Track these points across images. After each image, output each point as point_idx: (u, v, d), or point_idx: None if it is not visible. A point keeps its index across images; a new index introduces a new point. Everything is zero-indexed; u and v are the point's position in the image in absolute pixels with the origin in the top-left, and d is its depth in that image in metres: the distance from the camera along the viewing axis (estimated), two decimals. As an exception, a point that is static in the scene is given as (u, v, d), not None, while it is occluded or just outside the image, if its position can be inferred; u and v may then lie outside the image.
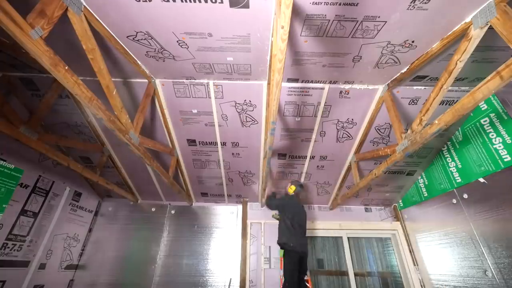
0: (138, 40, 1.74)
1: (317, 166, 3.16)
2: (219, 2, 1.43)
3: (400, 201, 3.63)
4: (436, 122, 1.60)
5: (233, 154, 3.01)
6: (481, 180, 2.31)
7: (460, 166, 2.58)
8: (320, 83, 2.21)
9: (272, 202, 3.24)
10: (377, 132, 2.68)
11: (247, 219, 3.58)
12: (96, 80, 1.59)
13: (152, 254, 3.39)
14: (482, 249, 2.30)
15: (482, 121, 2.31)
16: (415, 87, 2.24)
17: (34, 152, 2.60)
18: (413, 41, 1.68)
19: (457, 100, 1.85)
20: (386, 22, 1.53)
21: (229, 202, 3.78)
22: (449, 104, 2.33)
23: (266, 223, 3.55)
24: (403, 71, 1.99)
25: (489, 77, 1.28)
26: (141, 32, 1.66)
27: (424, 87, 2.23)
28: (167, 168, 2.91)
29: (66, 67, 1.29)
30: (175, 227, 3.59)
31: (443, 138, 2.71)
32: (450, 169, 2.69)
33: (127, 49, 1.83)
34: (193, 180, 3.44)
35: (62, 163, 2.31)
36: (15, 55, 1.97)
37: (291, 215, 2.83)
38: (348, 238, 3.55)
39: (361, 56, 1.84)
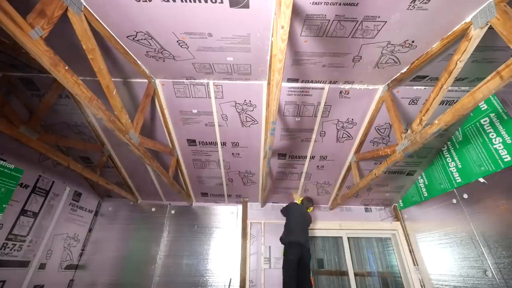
0: (138, 40, 1.74)
1: (317, 166, 3.16)
2: (219, 2, 1.43)
3: (400, 201, 3.63)
4: (436, 122, 1.60)
5: (233, 154, 3.01)
6: (481, 180, 2.31)
7: (460, 166, 2.58)
8: (320, 83, 2.21)
9: (282, 209, 3.37)
10: (377, 132, 2.68)
11: (247, 219, 3.58)
12: (96, 80, 1.59)
13: (152, 254, 3.39)
14: (482, 249, 2.30)
15: (482, 121, 2.31)
16: (415, 87, 2.24)
17: (34, 152, 2.61)
18: (413, 41, 1.68)
19: (457, 100, 1.85)
20: (386, 22, 1.53)
21: (229, 202, 3.78)
22: (449, 104, 2.33)
23: (266, 223, 3.55)
24: (403, 71, 1.99)
25: (489, 77, 1.28)
26: (141, 32, 1.66)
27: (424, 87, 2.23)
28: (167, 168, 2.91)
29: (66, 67, 1.29)
30: (175, 227, 3.59)
31: (443, 138, 2.71)
32: (450, 169, 2.69)
33: (127, 49, 1.83)
34: (193, 180, 3.44)
35: (62, 163, 2.31)
36: (15, 55, 1.97)
37: (294, 216, 3.03)
38: (348, 238, 3.55)
39: (361, 56, 1.84)
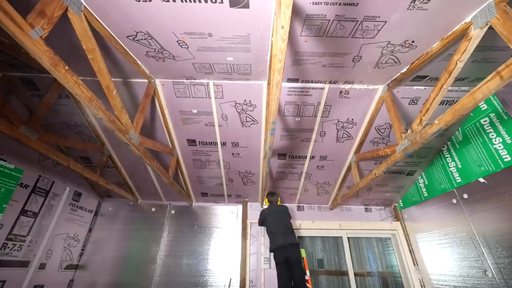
0: (138, 40, 1.74)
1: (317, 166, 3.16)
2: (219, 2, 1.43)
3: (400, 201, 3.63)
4: (436, 122, 1.60)
5: (233, 154, 3.01)
6: (481, 180, 2.31)
7: (460, 166, 2.58)
8: (320, 83, 2.21)
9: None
10: (377, 132, 2.68)
11: (247, 219, 3.58)
12: (96, 80, 1.59)
13: (152, 254, 3.39)
14: (482, 249, 2.30)
15: (482, 121, 2.31)
16: (415, 87, 2.24)
17: (34, 152, 2.61)
18: (413, 41, 1.68)
19: (457, 100, 1.85)
20: (386, 22, 1.53)
21: (229, 202, 3.78)
22: (449, 104, 2.33)
23: (266, 223, 3.55)
24: (403, 71, 1.99)
25: (489, 77, 1.28)
26: (141, 32, 1.66)
27: (424, 87, 2.23)
28: (167, 168, 2.91)
29: (66, 67, 1.29)
30: (175, 227, 3.59)
31: (443, 138, 2.71)
32: (450, 169, 2.69)
33: (127, 49, 1.83)
34: (193, 180, 3.45)
35: (62, 163, 2.31)
36: (15, 55, 1.97)
37: (268, 221, 3.00)
38: (348, 238, 3.55)
39: (361, 56, 1.84)
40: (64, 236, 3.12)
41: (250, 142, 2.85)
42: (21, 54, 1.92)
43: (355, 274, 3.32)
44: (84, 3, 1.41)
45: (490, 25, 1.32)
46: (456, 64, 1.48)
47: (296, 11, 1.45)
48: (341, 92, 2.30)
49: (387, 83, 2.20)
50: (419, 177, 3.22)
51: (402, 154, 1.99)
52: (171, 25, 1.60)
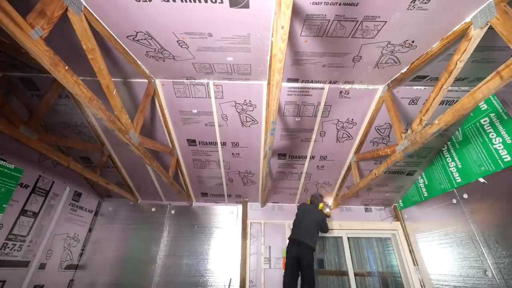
0: (138, 40, 1.74)
1: (317, 166, 3.16)
2: (219, 2, 1.43)
3: (400, 201, 3.63)
4: (436, 122, 1.60)
5: (233, 154, 3.01)
6: (481, 180, 2.31)
7: (460, 166, 2.58)
8: (320, 83, 2.21)
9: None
10: (377, 132, 2.68)
11: (247, 219, 3.58)
12: (96, 80, 1.59)
13: (152, 254, 3.39)
14: (482, 249, 2.30)
15: (482, 121, 2.31)
16: (415, 87, 2.24)
17: (34, 152, 2.61)
18: (413, 41, 1.68)
19: (457, 100, 1.85)
20: (386, 22, 1.53)
21: (229, 202, 3.78)
22: (449, 104, 2.33)
23: (266, 223, 3.55)
24: (403, 71, 1.99)
25: (489, 77, 1.28)
26: (141, 32, 1.66)
27: (424, 87, 2.23)
28: (167, 168, 2.91)
29: (66, 67, 1.30)
30: (175, 227, 3.59)
31: (443, 138, 2.71)
32: (450, 169, 2.69)
33: (127, 49, 1.83)
34: (193, 180, 3.44)
35: (62, 163, 2.31)
36: (15, 55, 1.97)
37: (297, 217, 3.04)
38: (348, 238, 3.55)
39: (361, 56, 1.84)
40: (64, 236, 3.12)
41: (250, 142, 2.85)
42: (21, 54, 1.92)
43: (355, 274, 3.32)
44: (84, 3, 1.41)
45: (490, 25, 1.32)
46: (456, 64, 1.48)
47: (296, 11, 1.45)
48: (341, 92, 2.30)
49: (387, 83, 2.20)
50: (419, 177, 3.22)
51: (402, 154, 1.99)
52: (171, 25, 1.60)
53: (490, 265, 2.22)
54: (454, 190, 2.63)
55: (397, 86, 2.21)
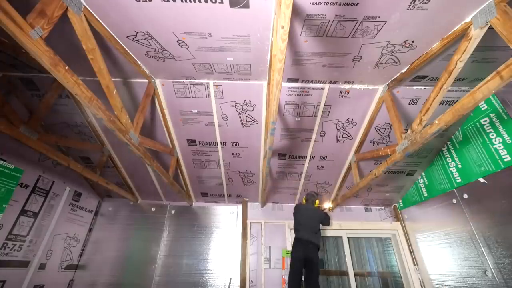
0: (138, 40, 1.74)
1: (317, 166, 3.16)
2: (219, 2, 1.43)
3: (400, 201, 3.63)
4: (436, 122, 1.60)
5: (233, 154, 3.01)
6: (481, 180, 2.31)
7: (460, 166, 2.57)
8: (320, 83, 2.21)
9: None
10: (377, 132, 2.68)
11: (247, 219, 3.58)
12: (96, 80, 1.59)
13: (152, 254, 3.39)
14: (482, 249, 2.30)
15: (482, 121, 2.31)
16: (415, 87, 2.24)
17: (34, 152, 2.61)
18: (413, 41, 1.68)
19: (457, 100, 1.85)
20: (386, 22, 1.53)
21: (229, 202, 3.78)
22: (449, 104, 2.33)
23: (266, 223, 3.55)
24: (403, 71, 1.99)
25: (489, 77, 1.28)
26: (141, 32, 1.66)
27: (424, 87, 2.23)
28: (167, 168, 2.91)
29: (66, 67, 1.29)
30: (175, 227, 3.59)
31: (443, 138, 2.71)
32: (450, 169, 2.69)
33: (127, 49, 1.83)
34: (193, 180, 3.44)
35: (62, 163, 2.31)
36: (15, 55, 1.97)
37: (297, 215, 2.99)
38: (348, 238, 3.55)
39: (361, 56, 1.84)
40: (64, 236, 3.12)
41: (250, 142, 2.85)
42: (21, 54, 1.92)
43: (355, 274, 3.32)
44: (84, 3, 1.41)
45: (490, 25, 1.32)
46: (456, 64, 1.48)
47: (296, 11, 1.45)
48: (341, 92, 2.29)
49: (387, 83, 2.20)
50: (419, 177, 3.22)
51: (402, 154, 1.99)
52: (171, 25, 1.60)
53: (490, 265, 2.22)
54: (454, 190, 2.63)
55: (397, 86, 2.21)
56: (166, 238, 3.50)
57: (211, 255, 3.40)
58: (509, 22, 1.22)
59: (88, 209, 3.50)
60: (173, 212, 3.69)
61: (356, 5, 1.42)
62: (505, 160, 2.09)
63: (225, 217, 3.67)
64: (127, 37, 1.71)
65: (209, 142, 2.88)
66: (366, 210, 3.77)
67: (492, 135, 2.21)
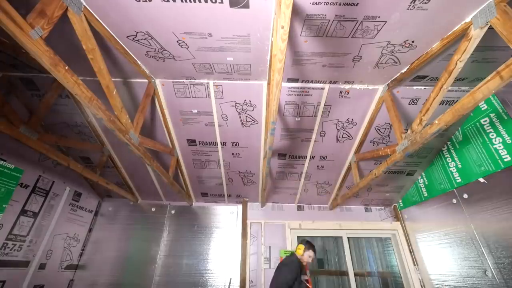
0: (138, 40, 1.74)
1: (317, 166, 3.16)
2: (219, 2, 1.43)
3: (400, 201, 3.63)
4: (436, 122, 1.60)
5: (233, 154, 3.01)
6: (481, 180, 2.31)
7: (460, 166, 2.57)
8: (320, 83, 2.21)
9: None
10: (377, 132, 2.68)
11: (247, 219, 3.58)
12: (96, 80, 1.59)
13: (152, 254, 3.39)
14: (482, 249, 2.30)
15: (482, 121, 2.31)
16: (415, 87, 2.24)
17: (34, 152, 2.61)
18: (413, 41, 1.68)
19: (457, 100, 1.85)
20: (386, 22, 1.53)
21: (229, 202, 3.78)
22: (449, 104, 2.33)
23: (266, 223, 3.55)
24: (403, 71, 1.99)
25: (489, 77, 1.28)
26: (141, 32, 1.66)
27: (424, 87, 2.23)
28: (167, 168, 2.91)
29: (66, 67, 1.29)
30: (175, 227, 3.59)
31: (443, 138, 2.71)
32: (450, 169, 2.69)
33: (127, 49, 1.83)
34: (193, 180, 3.44)
35: (62, 163, 2.31)
36: (15, 55, 1.97)
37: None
38: (348, 238, 3.55)
39: (361, 56, 1.84)
40: (64, 236, 3.12)
41: (250, 142, 2.85)
42: (21, 54, 1.92)
43: (355, 274, 3.32)
44: (84, 3, 1.41)
45: (490, 25, 1.32)
46: (456, 64, 1.48)
47: (296, 11, 1.45)
48: (341, 92, 2.29)
49: (387, 83, 2.20)
50: (419, 177, 3.22)
51: (402, 154, 1.99)
52: (171, 25, 1.60)
53: (490, 265, 2.22)
54: (454, 190, 2.63)
55: (397, 86, 2.21)
56: (166, 238, 3.50)
57: (211, 255, 3.40)
58: (509, 22, 1.22)
59: (88, 209, 3.50)
60: (173, 212, 3.69)
61: (356, 5, 1.42)
62: (505, 160, 2.09)
63: (225, 217, 3.67)
64: (127, 37, 1.71)
65: (209, 142, 2.88)
66: (366, 210, 3.77)
67: (492, 135, 2.21)
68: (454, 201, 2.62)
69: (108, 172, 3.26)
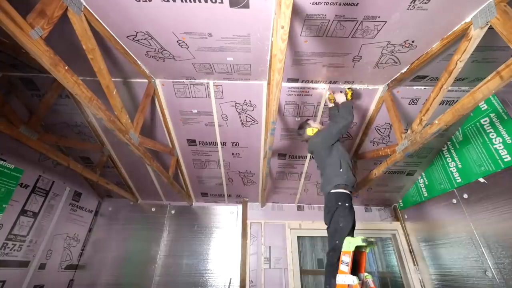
0: (138, 40, 1.74)
1: (317, 166, 3.15)
2: (219, 2, 1.43)
3: (400, 201, 3.63)
4: (436, 122, 1.60)
5: (233, 154, 3.01)
6: (481, 180, 2.31)
7: (460, 166, 2.57)
8: (320, 83, 2.21)
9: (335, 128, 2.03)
10: (377, 132, 2.68)
11: (247, 219, 3.58)
12: (96, 80, 1.59)
13: (152, 254, 3.39)
14: (482, 249, 2.30)
15: (482, 121, 2.31)
16: (415, 87, 2.24)
17: (34, 152, 2.60)
18: (413, 41, 1.68)
19: (457, 100, 1.85)
20: (386, 22, 1.53)
21: (229, 202, 3.78)
22: (449, 104, 2.33)
23: (266, 223, 3.55)
24: (403, 71, 1.99)
25: (489, 77, 1.28)
26: (141, 32, 1.66)
27: (424, 87, 2.23)
28: (167, 168, 2.91)
29: (66, 67, 1.30)
30: (175, 227, 3.59)
31: (443, 138, 2.71)
32: (450, 169, 2.69)
33: (127, 49, 1.83)
34: (193, 180, 3.44)
35: (62, 163, 2.31)
36: (15, 55, 1.97)
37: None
38: (348, 238, 3.55)
39: (361, 56, 1.84)
40: (64, 236, 3.12)
41: (250, 142, 2.85)
42: (21, 54, 1.92)
43: (355, 274, 3.31)
44: (84, 3, 1.41)
45: (490, 25, 1.32)
46: (456, 64, 1.48)
47: (296, 11, 1.45)
48: (341, 92, 2.29)
49: (387, 83, 2.20)
50: (419, 177, 3.22)
51: (402, 154, 1.99)
52: (171, 25, 1.60)
53: (490, 265, 2.22)
54: (454, 190, 2.63)
55: (397, 86, 2.21)
56: (166, 238, 3.50)
57: (211, 255, 3.40)
58: (509, 22, 1.22)
59: (88, 209, 3.50)
60: (173, 212, 3.69)
61: (356, 5, 1.42)
62: (505, 160, 2.09)
63: (225, 217, 3.67)
64: (127, 37, 1.71)
65: (209, 142, 2.88)
66: (366, 210, 3.77)
67: (492, 135, 2.21)
68: (454, 201, 2.62)
69: (108, 172, 3.26)
